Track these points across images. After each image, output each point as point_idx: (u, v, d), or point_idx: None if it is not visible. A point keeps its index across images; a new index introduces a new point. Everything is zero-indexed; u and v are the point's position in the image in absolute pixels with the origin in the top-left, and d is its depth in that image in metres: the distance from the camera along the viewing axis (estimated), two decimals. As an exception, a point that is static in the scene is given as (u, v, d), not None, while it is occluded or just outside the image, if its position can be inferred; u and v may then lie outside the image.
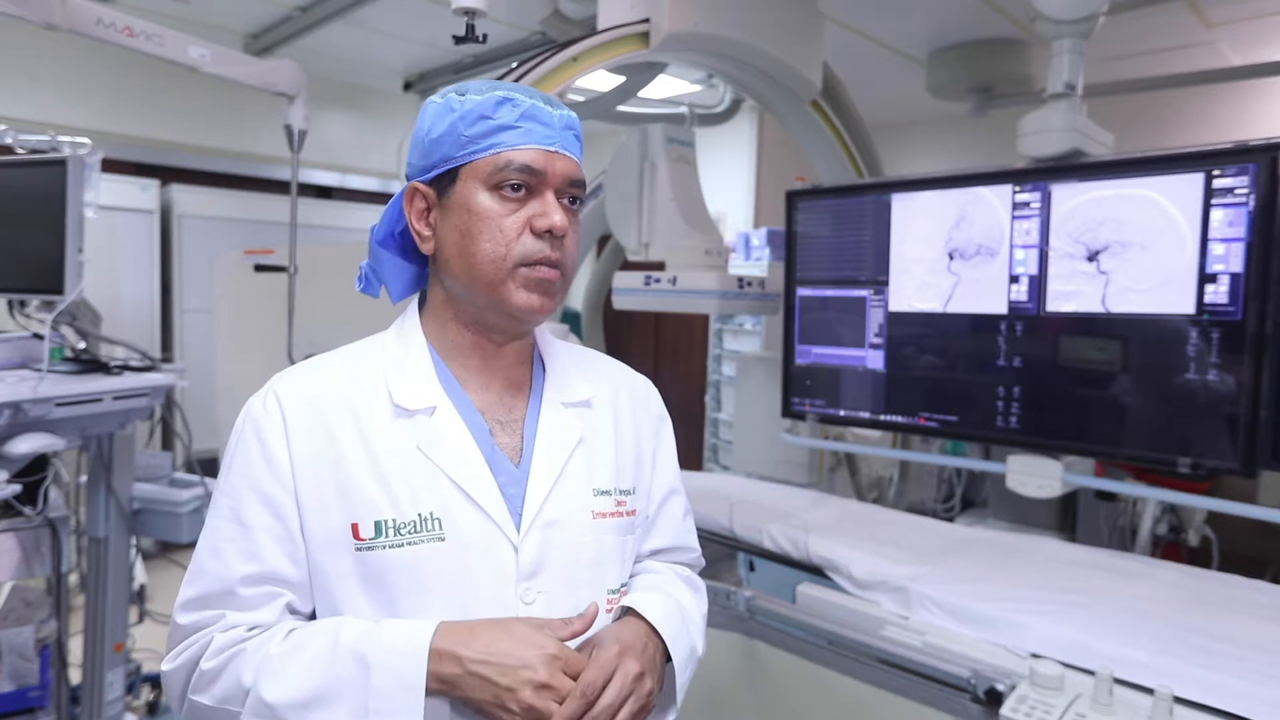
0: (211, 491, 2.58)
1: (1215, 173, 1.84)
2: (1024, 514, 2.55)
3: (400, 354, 0.93)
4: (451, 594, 0.85)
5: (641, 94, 3.23)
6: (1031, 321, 2.13)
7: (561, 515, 0.91)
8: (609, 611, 0.94)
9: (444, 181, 0.89)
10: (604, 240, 3.47)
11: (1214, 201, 1.84)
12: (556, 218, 0.86)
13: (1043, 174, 2.10)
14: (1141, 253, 1.94)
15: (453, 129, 0.88)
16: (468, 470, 0.88)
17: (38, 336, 2.23)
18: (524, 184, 0.87)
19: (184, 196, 4.54)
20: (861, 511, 2.42)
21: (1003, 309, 2.17)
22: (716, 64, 2.52)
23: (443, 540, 0.85)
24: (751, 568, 2.27)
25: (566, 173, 0.89)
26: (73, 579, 2.79)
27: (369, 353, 0.95)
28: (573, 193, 0.90)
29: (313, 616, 0.89)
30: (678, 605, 0.99)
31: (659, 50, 2.20)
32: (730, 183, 5.36)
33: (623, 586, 0.98)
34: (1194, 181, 1.86)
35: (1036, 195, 2.10)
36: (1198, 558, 2.42)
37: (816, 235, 2.56)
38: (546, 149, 0.87)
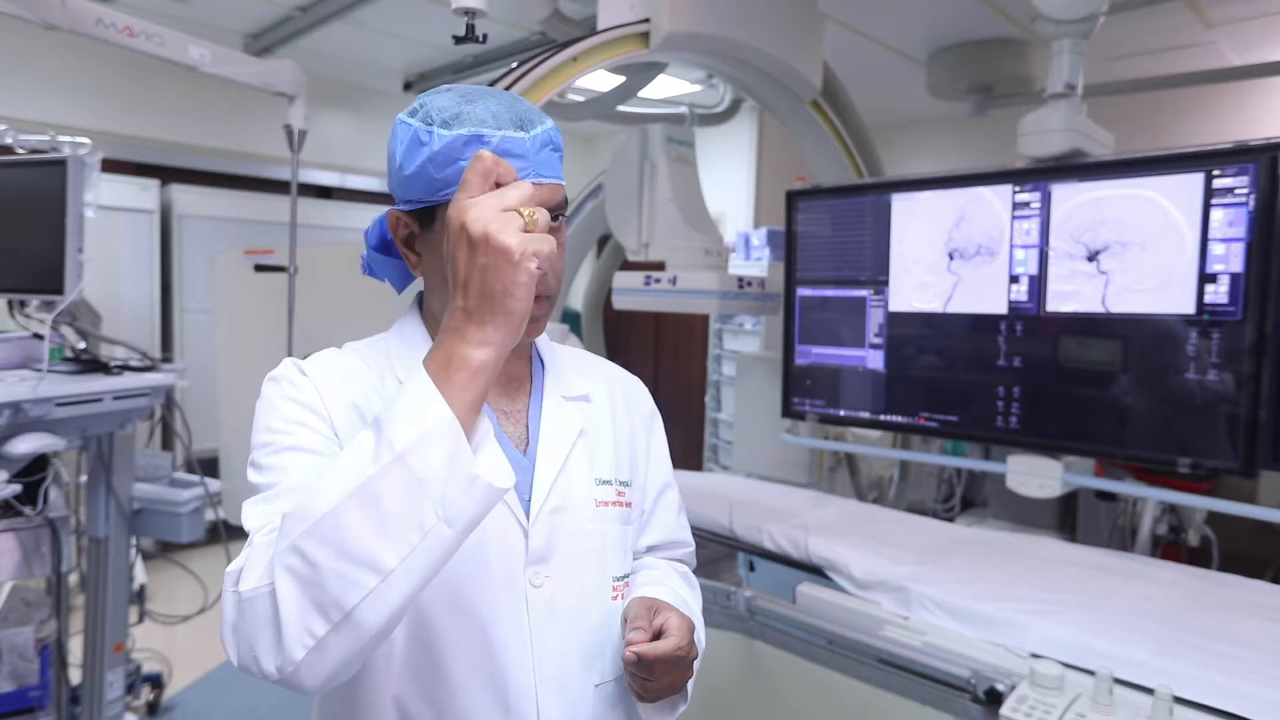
0: (212, 491, 2.60)
1: (1215, 173, 1.84)
2: (1024, 514, 2.55)
3: (404, 350, 0.94)
4: (464, 573, 0.85)
5: (641, 94, 3.23)
6: (1031, 321, 2.13)
7: (567, 502, 0.93)
8: (614, 600, 0.96)
9: (423, 215, 0.88)
10: (604, 240, 3.47)
11: (1214, 201, 1.84)
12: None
13: (1043, 174, 2.10)
14: (1141, 253, 1.94)
15: (424, 171, 0.84)
16: None
17: (38, 336, 2.23)
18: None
19: (184, 196, 4.55)
20: (861, 511, 2.42)
21: (1003, 309, 2.17)
22: (716, 64, 2.52)
23: None
24: (751, 568, 2.27)
25: (544, 203, 0.85)
26: (73, 579, 2.80)
27: (372, 348, 0.96)
28: (553, 215, 0.87)
29: None
30: (682, 600, 1.01)
31: (659, 50, 2.20)
32: (730, 183, 5.36)
33: (626, 577, 1.00)
34: (1194, 181, 1.86)
35: (1036, 195, 2.10)
36: (1198, 558, 2.42)
37: (816, 235, 2.56)
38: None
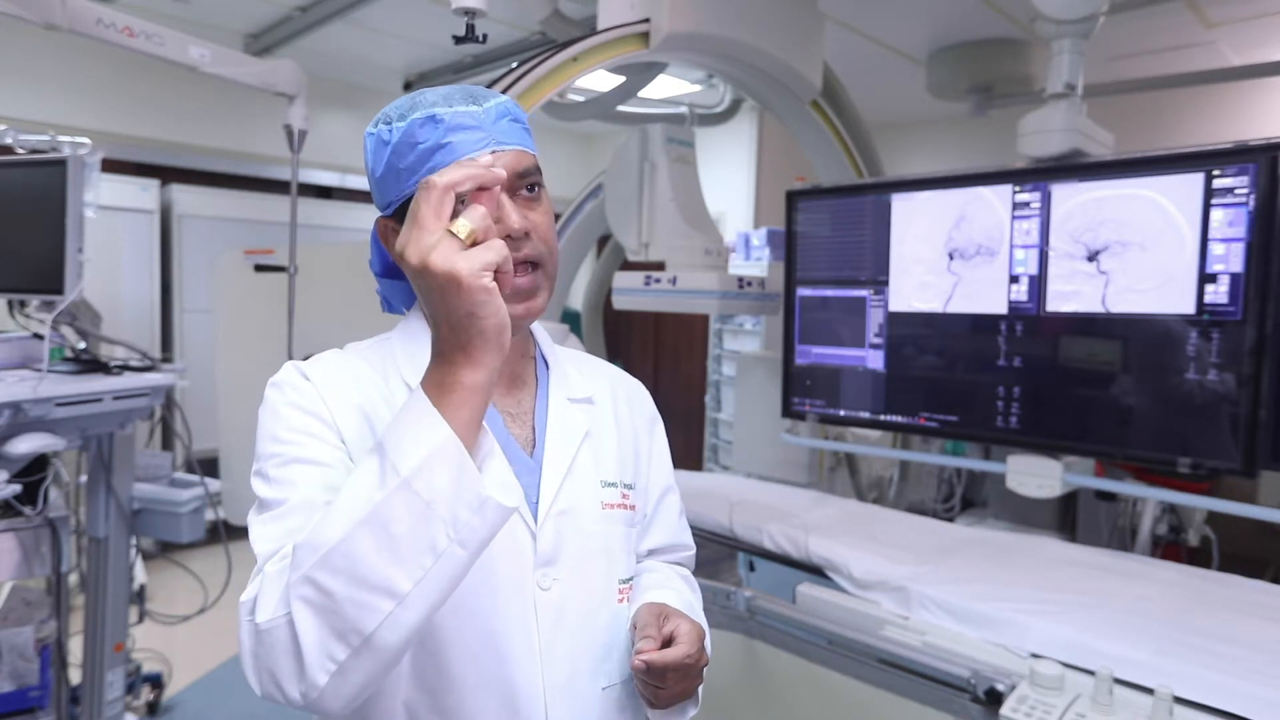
0: (212, 491, 2.59)
1: (1215, 173, 1.84)
2: (1024, 514, 2.55)
3: (409, 349, 0.93)
4: (472, 577, 0.83)
5: (641, 94, 3.23)
6: (1031, 321, 2.13)
7: (573, 505, 0.93)
8: (620, 602, 0.96)
9: (403, 215, 0.86)
10: (604, 240, 3.47)
11: (1214, 201, 1.84)
12: (513, 219, 0.83)
13: (1043, 174, 2.10)
14: (1141, 253, 1.94)
15: (390, 166, 0.84)
16: None
17: (38, 336, 2.23)
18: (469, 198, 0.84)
19: (184, 196, 4.54)
20: (861, 511, 2.42)
21: (1003, 309, 2.17)
22: (716, 64, 2.52)
23: None
24: (751, 568, 2.27)
25: (511, 169, 0.84)
26: (73, 579, 2.79)
27: (376, 349, 0.95)
28: (526, 182, 0.86)
29: None
30: (688, 604, 1.01)
31: (659, 50, 2.20)
32: (730, 183, 5.36)
33: (631, 579, 1.00)
34: (1194, 181, 1.86)
35: (1036, 195, 2.10)
36: (1198, 558, 2.42)
37: (816, 235, 2.56)
38: (483, 153, 0.83)
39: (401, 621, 0.68)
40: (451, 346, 0.69)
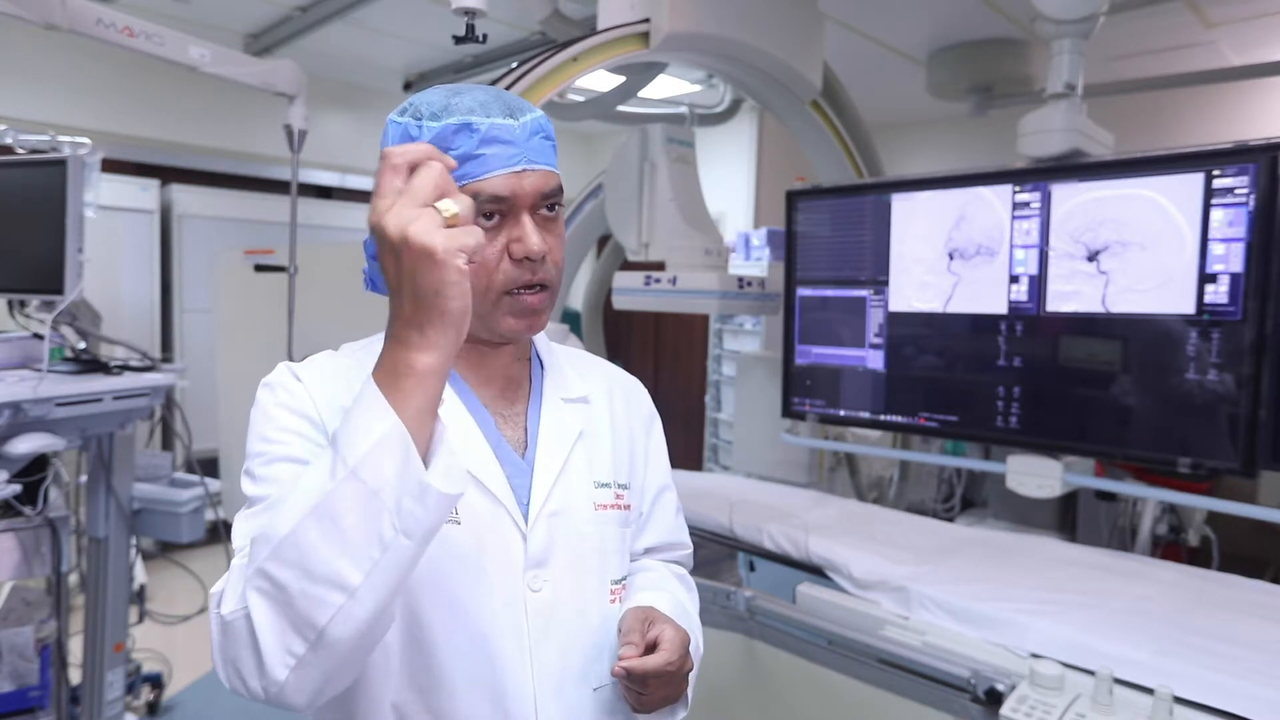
0: (212, 491, 2.59)
1: (1215, 173, 1.84)
2: (1024, 514, 2.55)
3: None
4: (462, 578, 0.85)
5: (641, 94, 3.23)
6: (1031, 321, 2.13)
7: (566, 505, 0.93)
8: (613, 603, 0.96)
9: None
10: (604, 240, 3.47)
11: (1214, 201, 1.84)
12: (533, 242, 0.84)
13: (1043, 174, 2.10)
14: (1141, 253, 1.94)
15: None
16: (478, 459, 0.89)
17: (38, 336, 2.23)
18: (495, 211, 0.84)
19: (184, 196, 4.55)
20: (861, 511, 2.42)
21: (1003, 309, 2.17)
22: (716, 64, 2.52)
23: (458, 524, 0.86)
24: (751, 568, 2.27)
25: (537, 189, 0.85)
26: (73, 579, 2.80)
27: (369, 349, 0.94)
28: (548, 203, 0.87)
29: None
30: (681, 605, 1.01)
31: (659, 50, 2.20)
32: (730, 183, 5.36)
33: (624, 579, 1.00)
34: (1194, 181, 1.86)
35: (1036, 195, 2.10)
36: (1198, 558, 2.42)
37: (816, 235, 2.56)
38: (513, 170, 0.84)
39: (353, 615, 0.67)
40: (408, 326, 0.69)
